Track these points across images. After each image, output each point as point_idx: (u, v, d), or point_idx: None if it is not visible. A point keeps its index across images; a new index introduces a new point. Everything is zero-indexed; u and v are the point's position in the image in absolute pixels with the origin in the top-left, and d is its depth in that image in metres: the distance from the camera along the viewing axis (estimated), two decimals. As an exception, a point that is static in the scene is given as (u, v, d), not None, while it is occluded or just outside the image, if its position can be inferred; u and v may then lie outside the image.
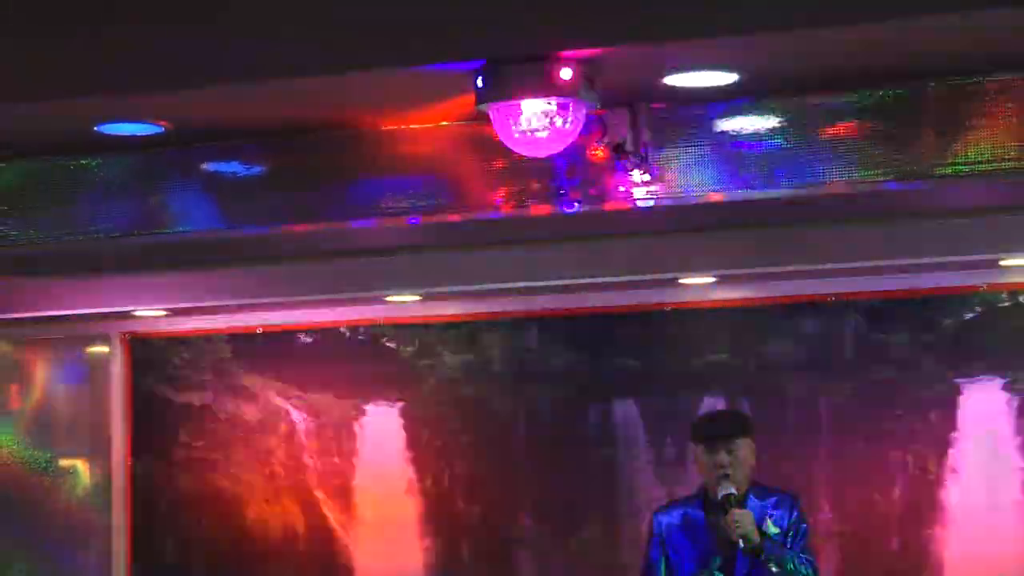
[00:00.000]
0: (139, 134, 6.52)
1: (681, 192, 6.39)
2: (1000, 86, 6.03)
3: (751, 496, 6.28)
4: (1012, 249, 8.06)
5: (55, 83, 5.87)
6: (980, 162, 6.10)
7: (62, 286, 8.97)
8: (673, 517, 6.45)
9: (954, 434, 8.71)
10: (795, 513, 6.32)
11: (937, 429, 8.72)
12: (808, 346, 8.94)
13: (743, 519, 6.11)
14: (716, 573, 6.25)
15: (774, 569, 6.11)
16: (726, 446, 6.28)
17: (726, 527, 6.15)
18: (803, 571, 6.19)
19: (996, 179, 6.16)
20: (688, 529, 6.35)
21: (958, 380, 8.71)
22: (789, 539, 6.25)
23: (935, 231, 7.79)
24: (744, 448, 6.31)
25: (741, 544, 6.12)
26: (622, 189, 6.40)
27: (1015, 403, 8.63)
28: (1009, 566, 8.61)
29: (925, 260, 8.18)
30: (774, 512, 6.28)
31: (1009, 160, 6.08)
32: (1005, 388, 8.65)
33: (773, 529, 6.20)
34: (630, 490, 9.15)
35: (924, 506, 8.74)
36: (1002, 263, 8.37)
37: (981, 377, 8.68)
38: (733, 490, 6.19)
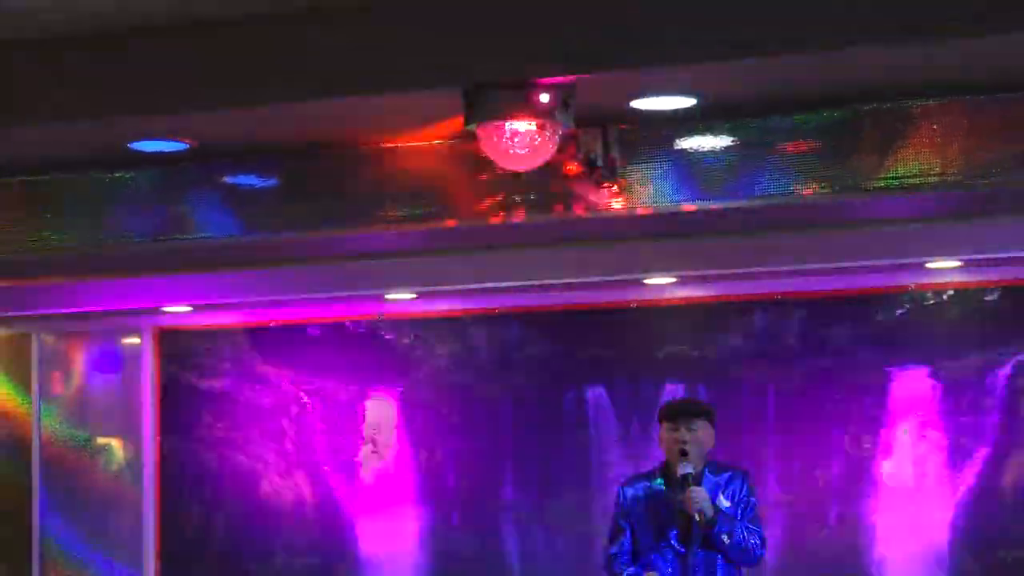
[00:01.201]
0: (166, 150, 6.50)
1: (646, 203, 6.38)
2: (926, 110, 6.04)
3: (706, 472, 6.26)
4: (937, 253, 8.05)
5: (93, 105, 5.86)
6: (909, 177, 6.10)
7: (99, 286, 8.93)
8: (637, 490, 6.42)
9: (886, 416, 8.70)
10: (745, 488, 6.30)
11: (871, 412, 8.71)
12: (758, 339, 8.92)
13: (699, 496, 6.09)
14: (673, 542, 6.23)
15: (725, 539, 6.09)
16: (687, 424, 6.26)
17: (684, 502, 6.13)
18: (752, 540, 6.18)
19: (923, 192, 6.16)
20: (649, 501, 6.32)
21: (890, 369, 8.70)
22: (740, 511, 6.23)
23: (870, 237, 7.77)
24: (702, 429, 6.28)
25: (696, 518, 6.10)
26: (593, 200, 6.39)
27: (940, 389, 8.63)
28: (934, 533, 8.61)
29: (861, 263, 8.16)
30: (727, 487, 6.26)
31: (934, 175, 6.09)
32: (931, 376, 8.64)
33: (725, 503, 6.18)
34: (600, 465, 9.12)
35: (859, 480, 8.72)
36: (928, 265, 8.36)
37: (910, 366, 8.67)
38: (691, 469, 6.17)
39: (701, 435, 6.25)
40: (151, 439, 9.92)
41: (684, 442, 6.21)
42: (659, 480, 6.36)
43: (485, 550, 9.32)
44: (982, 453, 8.55)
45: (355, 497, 9.59)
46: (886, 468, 8.69)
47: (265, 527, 9.70)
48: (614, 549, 6.41)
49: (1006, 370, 8.52)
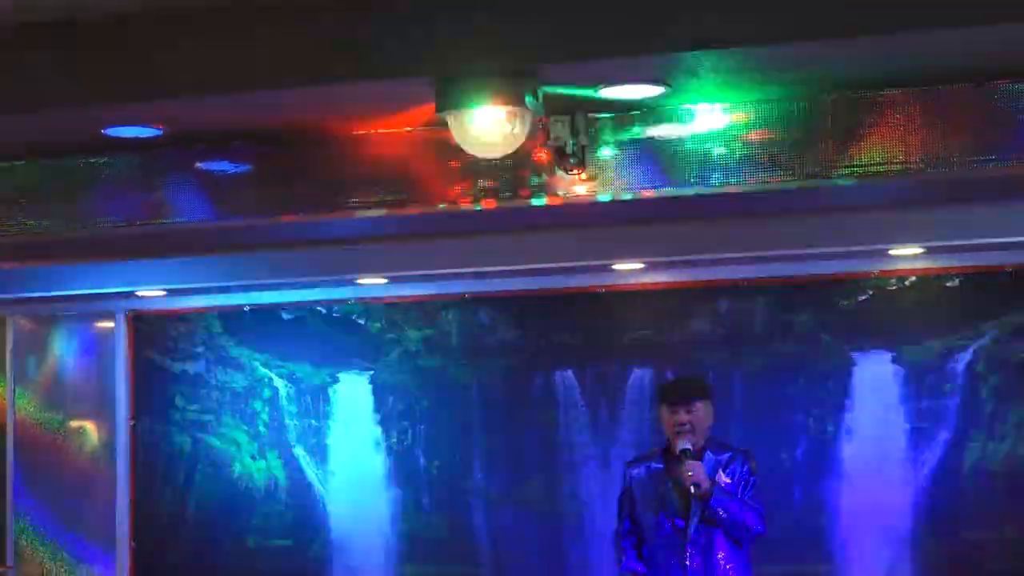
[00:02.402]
0: (141, 136, 6.50)
1: (614, 190, 6.41)
2: (889, 99, 6.08)
3: (708, 451, 6.30)
4: (899, 240, 8.11)
5: (68, 92, 5.86)
6: (872, 165, 6.14)
7: (73, 270, 8.92)
8: (640, 469, 6.46)
9: (849, 400, 8.76)
10: (746, 467, 6.34)
11: (834, 396, 8.77)
12: (724, 324, 8.96)
13: (696, 469, 6.13)
14: (673, 518, 6.27)
15: (722, 513, 6.13)
16: (686, 407, 6.29)
17: (681, 476, 6.17)
18: (751, 517, 6.21)
19: (885, 180, 6.20)
20: (651, 480, 6.37)
21: (853, 353, 8.75)
22: (740, 489, 6.26)
23: (833, 225, 7.82)
24: (702, 410, 6.32)
25: (692, 491, 6.14)
26: (563, 186, 6.42)
27: (902, 373, 8.69)
28: (895, 512, 8.68)
29: (825, 250, 8.21)
30: (728, 466, 6.29)
31: (896, 164, 6.13)
32: (893, 360, 8.70)
33: (725, 479, 6.22)
34: (569, 447, 9.16)
35: (823, 462, 8.78)
36: (891, 252, 8.42)
37: (873, 351, 8.73)
38: (689, 445, 6.21)
39: (700, 414, 6.29)
40: (124, 422, 9.91)
41: (682, 424, 6.25)
42: (659, 459, 6.40)
43: (455, 531, 9.35)
44: (943, 436, 8.62)
45: (327, 479, 9.61)
46: (849, 451, 8.75)
47: (238, 509, 9.71)
48: (620, 527, 6.47)
49: (967, 355, 8.59)
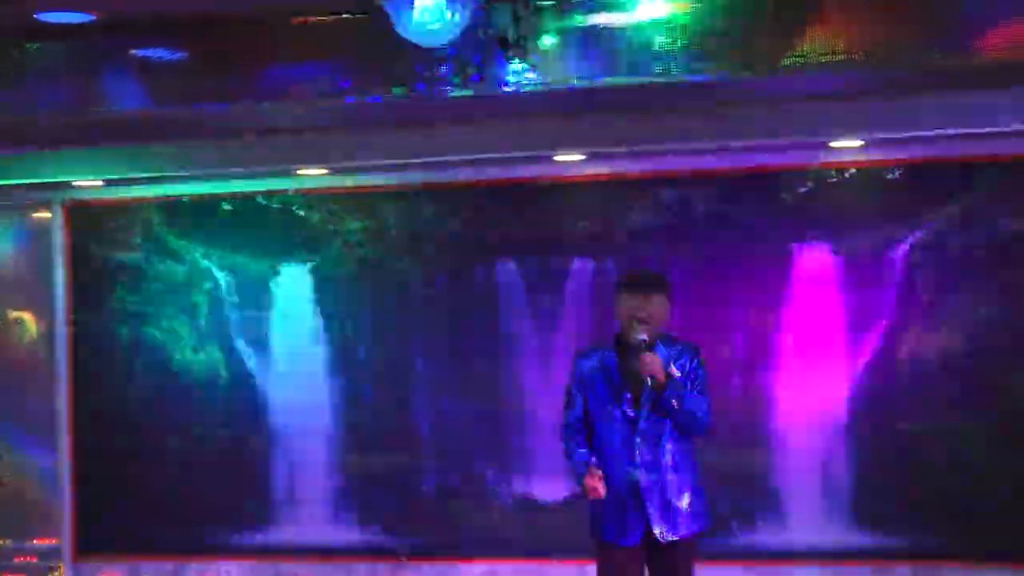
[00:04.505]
0: (74, 22, 6.37)
1: (555, 79, 6.36)
2: (832, -11, 6.05)
3: (659, 344, 6.29)
4: (840, 132, 8.11)
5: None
6: (814, 56, 6.11)
7: (8, 160, 8.79)
8: (592, 360, 6.45)
9: (788, 291, 8.80)
10: (696, 361, 6.35)
11: (774, 287, 8.81)
12: (665, 215, 8.95)
13: (652, 361, 6.14)
14: (625, 407, 6.28)
15: (675, 404, 6.14)
16: (645, 295, 6.28)
17: (638, 368, 6.17)
18: (701, 407, 6.24)
19: (827, 71, 6.18)
20: (603, 371, 6.36)
21: (793, 245, 8.78)
22: (689, 382, 6.28)
23: (776, 116, 7.81)
24: (658, 302, 6.30)
25: (649, 382, 6.15)
26: (504, 76, 6.36)
27: (840, 263, 8.73)
28: (831, 402, 8.76)
29: (766, 141, 8.20)
30: (678, 359, 6.30)
31: (839, 55, 6.11)
32: (832, 251, 8.74)
33: (676, 372, 6.22)
34: (509, 338, 9.17)
35: (761, 353, 8.84)
36: (832, 144, 8.42)
37: (812, 242, 8.76)
38: (645, 337, 6.21)
39: (658, 307, 6.28)
40: (63, 313, 9.83)
41: (641, 311, 6.24)
42: (612, 351, 6.40)
43: (396, 422, 9.37)
44: (880, 327, 8.68)
45: (268, 370, 9.59)
46: (787, 341, 8.81)
47: (178, 400, 9.68)
48: (568, 419, 6.47)
49: (905, 246, 8.63)
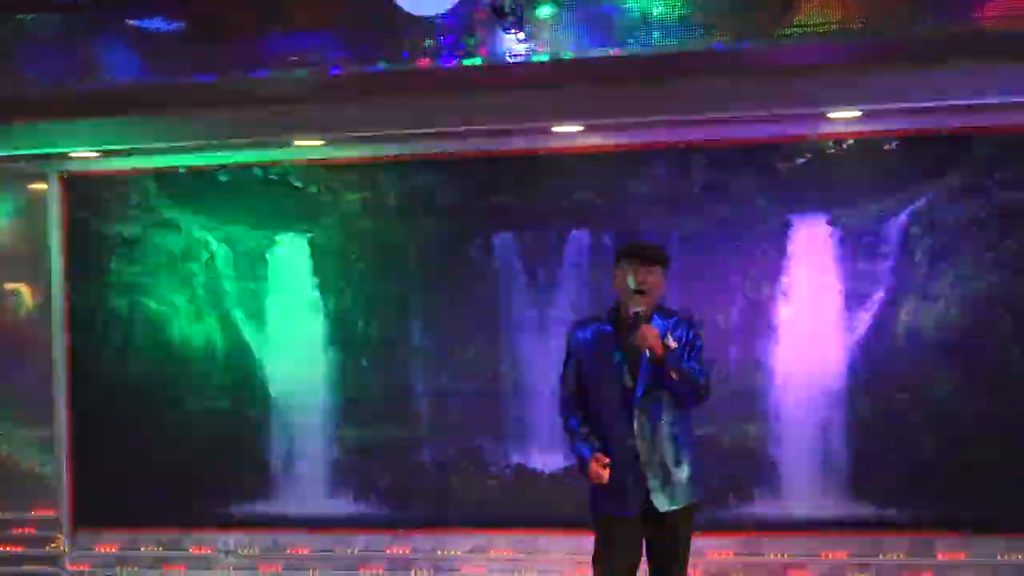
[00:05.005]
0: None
1: (553, 50, 6.34)
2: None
3: (656, 316, 6.30)
4: (838, 103, 8.09)
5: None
6: (811, 26, 6.10)
7: (6, 131, 8.77)
8: (587, 332, 6.45)
9: (785, 262, 8.79)
10: (691, 332, 6.35)
11: (770, 258, 8.80)
12: (662, 187, 8.94)
13: (650, 334, 6.14)
14: (625, 378, 6.28)
15: (674, 375, 6.15)
16: (647, 266, 6.28)
17: (636, 340, 6.17)
18: (699, 378, 6.25)
19: (824, 41, 6.17)
20: (599, 343, 6.37)
21: (790, 216, 8.77)
22: (686, 352, 6.29)
23: (773, 87, 7.79)
24: (659, 275, 6.30)
25: (647, 354, 6.15)
26: (502, 46, 6.34)
27: (837, 235, 8.72)
28: (827, 370, 8.77)
29: (764, 113, 8.18)
30: (675, 330, 6.30)
31: (835, 24, 6.09)
32: (829, 223, 8.73)
33: (673, 344, 6.23)
34: (507, 310, 9.17)
35: (758, 323, 8.84)
36: (829, 115, 8.40)
37: (809, 214, 8.75)
38: (642, 309, 6.22)
39: (656, 279, 6.29)
40: (60, 285, 9.82)
41: (641, 282, 6.24)
42: (608, 322, 6.40)
43: (393, 393, 9.37)
44: (877, 298, 8.68)
45: (265, 342, 9.59)
46: (784, 313, 8.81)
47: (176, 372, 9.68)
48: (564, 393, 6.47)
49: (902, 218, 8.63)
